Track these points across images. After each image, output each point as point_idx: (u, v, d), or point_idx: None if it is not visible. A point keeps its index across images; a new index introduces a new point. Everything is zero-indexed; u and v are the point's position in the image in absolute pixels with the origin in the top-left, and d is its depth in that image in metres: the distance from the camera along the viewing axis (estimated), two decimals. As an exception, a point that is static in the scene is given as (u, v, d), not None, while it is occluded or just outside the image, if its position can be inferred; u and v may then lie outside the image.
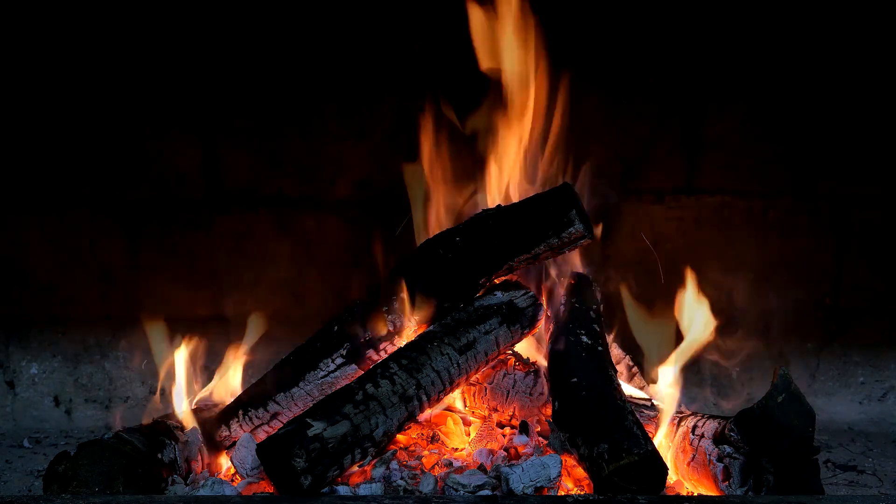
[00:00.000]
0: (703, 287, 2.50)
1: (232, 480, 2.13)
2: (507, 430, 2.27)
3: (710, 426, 2.03)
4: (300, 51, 3.07)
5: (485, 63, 2.52)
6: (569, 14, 3.04)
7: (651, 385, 2.43)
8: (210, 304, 3.16)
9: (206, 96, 3.09)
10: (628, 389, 2.36)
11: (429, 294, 2.26)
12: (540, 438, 2.19)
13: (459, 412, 2.34)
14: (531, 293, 2.32)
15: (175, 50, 3.06)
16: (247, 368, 2.65)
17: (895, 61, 3.09)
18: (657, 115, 3.13)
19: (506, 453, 2.14)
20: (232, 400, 2.35)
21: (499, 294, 2.28)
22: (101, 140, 3.10)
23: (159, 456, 2.04)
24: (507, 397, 2.29)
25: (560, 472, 1.94)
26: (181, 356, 2.40)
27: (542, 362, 2.31)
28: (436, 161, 2.58)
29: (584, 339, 2.23)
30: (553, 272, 2.50)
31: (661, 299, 2.55)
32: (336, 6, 3.05)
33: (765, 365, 3.16)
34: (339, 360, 2.25)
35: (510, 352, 2.34)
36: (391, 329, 2.27)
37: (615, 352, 2.46)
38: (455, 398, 2.35)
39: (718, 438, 1.97)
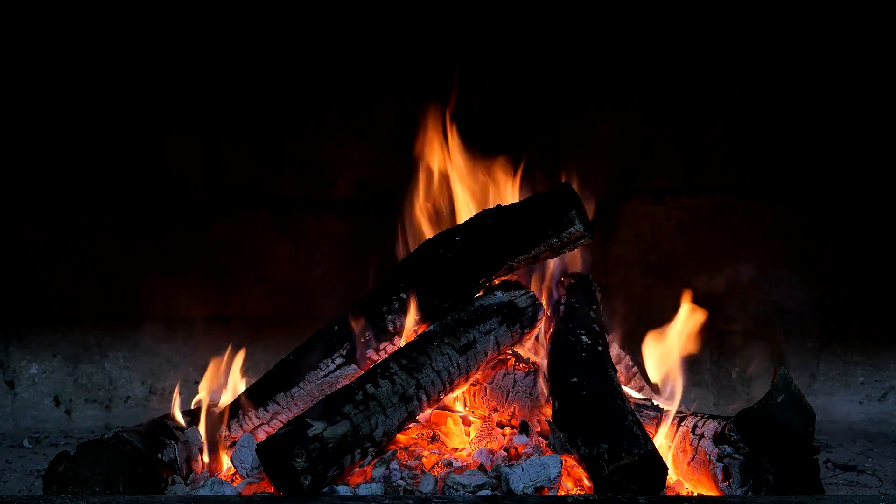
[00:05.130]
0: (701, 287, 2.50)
1: (232, 480, 2.13)
2: (507, 430, 2.27)
3: (710, 426, 2.03)
4: (300, 51, 3.07)
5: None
6: (570, 14, 3.05)
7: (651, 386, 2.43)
8: (210, 304, 3.16)
9: (207, 96, 3.09)
10: (628, 389, 2.36)
11: (429, 294, 2.27)
12: (540, 438, 2.19)
13: (459, 412, 2.34)
14: (531, 293, 2.32)
15: (175, 50, 3.06)
16: (247, 369, 2.65)
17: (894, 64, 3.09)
18: (657, 114, 3.13)
19: (506, 453, 2.14)
20: (232, 400, 2.35)
21: (499, 294, 2.29)
22: (101, 140, 3.10)
23: (159, 456, 2.04)
24: (507, 397, 2.29)
25: (560, 472, 1.94)
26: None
27: (542, 362, 2.31)
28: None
29: (584, 339, 2.23)
30: (553, 272, 2.50)
31: (660, 299, 2.55)
32: (336, 6, 3.05)
33: (765, 365, 3.16)
34: (339, 360, 2.25)
35: (510, 352, 2.34)
36: (391, 329, 2.27)
37: (615, 352, 2.46)
38: (455, 398, 2.35)
39: (718, 438, 1.97)
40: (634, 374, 2.49)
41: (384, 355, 2.23)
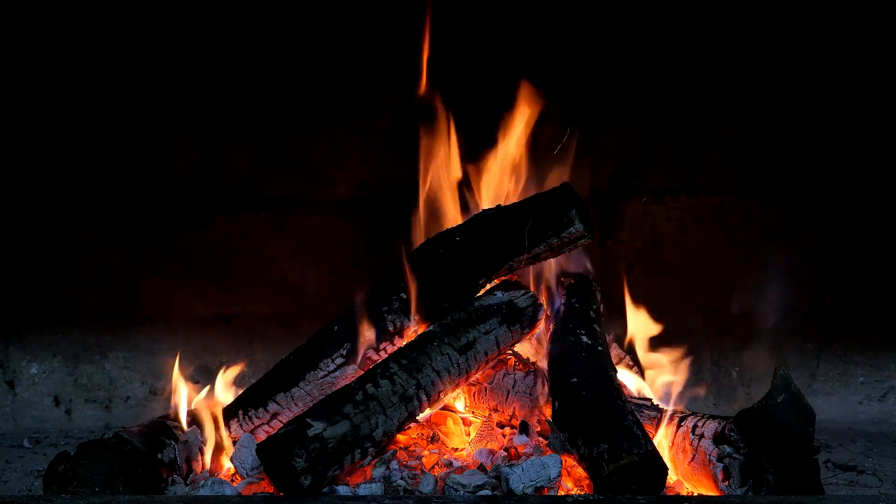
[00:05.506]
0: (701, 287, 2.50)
1: (232, 480, 2.13)
2: (507, 430, 2.27)
3: (710, 426, 2.03)
4: (301, 50, 3.07)
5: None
6: (570, 13, 3.05)
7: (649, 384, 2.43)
8: (210, 303, 3.16)
9: (207, 96, 3.09)
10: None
11: (429, 294, 2.27)
12: (540, 438, 2.19)
13: (459, 412, 2.34)
14: (531, 293, 2.32)
15: (175, 50, 3.06)
16: (247, 369, 2.66)
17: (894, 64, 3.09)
18: (657, 114, 3.13)
19: (506, 453, 2.14)
20: (232, 400, 2.35)
21: (499, 294, 2.28)
22: (101, 140, 3.10)
23: (159, 456, 2.04)
24: (507, 397, 2.29)
25: (560, 472, 1.94)
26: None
27: (542, 362, 2.31)
28: None
29: (584, 339, 2.23)
30: (553, 272, 2.50)
31: (660, 299, 2.55)
32: (337, 7, 3.05)
33: (765, 365, 3.16)
34: (339, 360, 2.25)
35: (510, 352, 2.34)
36: (391, 329, 2.27)
37: (615, 352, 2.46)
38: (455, 398, 2.35)
39: (718, 438, 1.97)
40: (634, 374, 2.49)
41: (384, 355, 2.23)
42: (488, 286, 2.33)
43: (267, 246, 3.16)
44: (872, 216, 3.17)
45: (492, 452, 2.14)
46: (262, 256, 3.16)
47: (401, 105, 3.06)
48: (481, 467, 2.04)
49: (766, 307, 3.10)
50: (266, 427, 2.24)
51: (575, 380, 2.09)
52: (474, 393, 2.34)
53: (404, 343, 2.24)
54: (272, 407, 2.25)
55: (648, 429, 2.05)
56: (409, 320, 2.27)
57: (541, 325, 2.35)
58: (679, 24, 3.07)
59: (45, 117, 3.08)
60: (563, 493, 1.93)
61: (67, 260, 3.13)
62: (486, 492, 1.92)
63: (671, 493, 2.02)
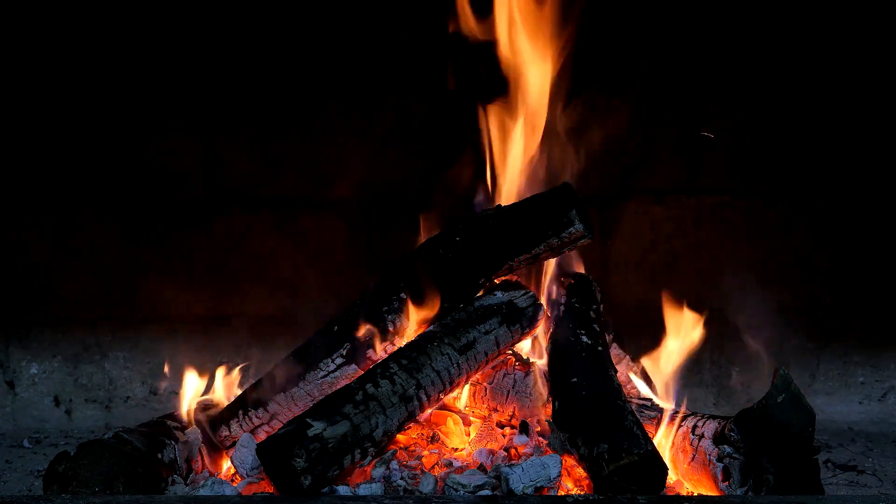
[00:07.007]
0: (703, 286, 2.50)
1: (232, 480, 2.13)
2: (507, 430, 2.27)
3: (710, 426, 2.03)
4: (301, 51, 3.08)
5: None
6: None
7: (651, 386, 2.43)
8: (210, 304, 3.16)
9: (207, 96, 3.10)
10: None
11: (429, 294, 2.26)
12: (540, 438, 2.19)
13: (459, 412, 2.34)
14: (531, 293, 2.32)
15: (176, 50, 3.06)
16: (247, 368, 2.66)
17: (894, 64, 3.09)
18: (657, 114, 3.13)
19: (506, 453, 2.14)
20: (232, 400, 2.35)
21: (499, 294, 2.28)
22: (101, 140, 3.10)
23: (159, 456, 2.04)
24: (507, 397, 2.29)
25: (560, 472, 1.94)
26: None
27: (542, 362, 2.31)
28: None
29: (584, 339, 2.23)
30: (553, 272, 2.50)
31: (660, 299, 2.55)
32: (337, 6, 3.05)
33: (765, 365, 3.16)
34: (339, 360, 2.25)
35: (510, 352, 2.34)
36: (391, 329, 2.27)
37: (615, 352, 2.46)
38: (455, 398, 2.35)
39: (718, 438, 1.97)
40: (634, 374, 2.49)
41: (384, 355, 2.23)
42: (488, 286, 2.32)
43: (267, 246, 3.16)
44: (872, 216, 3.17)
45: (492, 452, 2.14)
46: (262, 256, 3.16)
47: (401, 105, 3.06)
48: (481, 467, 2.04)
49: (766, 307, 3.10)
50: (266, 427, 2.24)
51: (575, 380, 2.09)
52: (474, 393, 2.34)
53: (404, 343, 2.24)
54: (272, 407, 2.25)
55: (648, 429, 2.05)
56: (409, 320, 2.27)
57: (541, 325, 2.35)
58: (680, 23, 3.07)
59: (45, 117, 3.08)
60: (563, 493, 1.93)
61: (67, 260, 3.13)
62: (486, 492, 1.92)
63: (671, 493, 2.02)
